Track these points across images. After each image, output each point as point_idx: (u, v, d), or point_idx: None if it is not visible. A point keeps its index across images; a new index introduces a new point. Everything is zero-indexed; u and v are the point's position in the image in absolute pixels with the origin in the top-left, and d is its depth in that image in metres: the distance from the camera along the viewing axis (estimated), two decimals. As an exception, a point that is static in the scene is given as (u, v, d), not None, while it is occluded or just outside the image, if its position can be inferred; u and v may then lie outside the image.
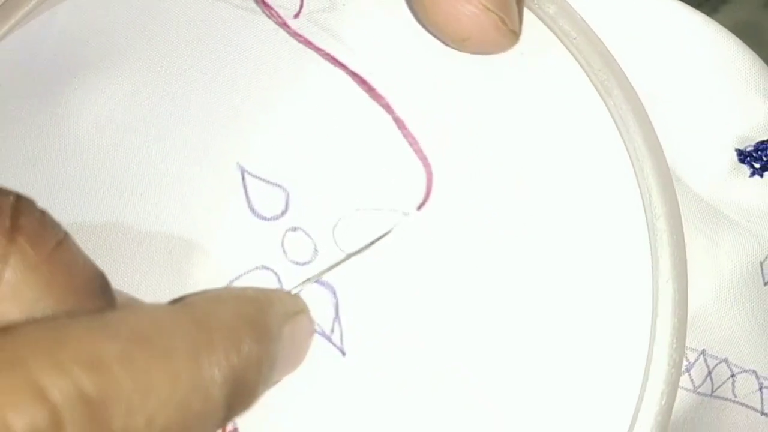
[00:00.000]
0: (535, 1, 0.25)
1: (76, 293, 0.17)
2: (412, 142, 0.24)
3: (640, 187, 0.24)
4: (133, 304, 0.20)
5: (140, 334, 0.15)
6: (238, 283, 0.23)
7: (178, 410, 0.15)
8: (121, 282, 0.23)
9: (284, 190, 0.24)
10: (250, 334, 0.18)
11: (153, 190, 0.24)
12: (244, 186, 0.24)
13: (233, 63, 0.25)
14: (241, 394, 0.17)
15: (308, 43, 0.25)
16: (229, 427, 0.23)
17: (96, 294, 0.17)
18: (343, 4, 0.26)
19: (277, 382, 0.21)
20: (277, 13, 0.25)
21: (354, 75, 0.24)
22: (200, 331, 0.16)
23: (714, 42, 0.25)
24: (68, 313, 0.16)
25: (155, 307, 0.17)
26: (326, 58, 0.24)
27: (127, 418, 0.14)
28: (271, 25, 0.25)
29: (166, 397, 0.15)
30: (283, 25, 0.25)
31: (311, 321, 0.22)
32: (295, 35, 0.24)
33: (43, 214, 0.17)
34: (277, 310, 0.20)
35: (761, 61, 0.26)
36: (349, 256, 0.23)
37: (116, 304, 0.18)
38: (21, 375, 0.13)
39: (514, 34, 0.22)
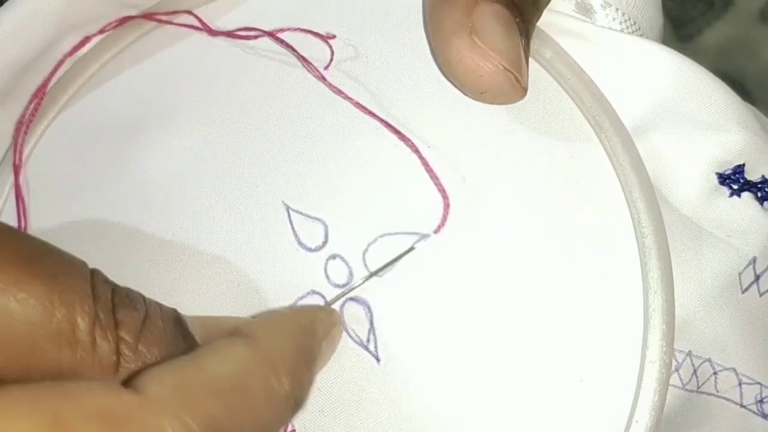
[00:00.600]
0: (535, 47, 0.29)
1: (168, 348, 0.20)
2: (434, 177, 0.27)
3: (630, 209, 0.27)
4: (207, 322, 0.23)
5: (233, 383, 0.19)
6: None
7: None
8: (199, 310, 0.27)
9: (323, 223, 0.27)
10: (305, 363, 0.22)
11: (217, 230, 0.28)
12: (291, 223, 0.27)
13: (274, 113, 0.29)
14: (297, 407, 0.21)
15: (340, 93, 0.28)
16: (289, 428, 0.27)
17: (180, 339, 0.21)
18: (366, 57, 0.29)
19: None
20: (314, 66, 0.28)
21: (383, 121, 0.28)
22: (271, 370, 0.20)
23: (693, 78, 0.28)
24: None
25: (233, 352, 0.20)
26: (357, 107, 0.28)
27: None
28: (307, 77, 0.29)
29: (255, 427, 0.19)
30: (321, 78, 0.28)
31: (340, 330, 0.26)
32: (330, 86, 0.28)
33: (128, 297, 0.20)
34: (319, 335, 0.24)
35: (735, 94, 0.29)
36: (372, 274, 0.27)
37: (193, 337, 0.22)
38: None
39: (524, 90, 0.25)
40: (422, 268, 0.27)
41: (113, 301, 0.20)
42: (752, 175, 0.28)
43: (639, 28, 0.29)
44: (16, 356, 0.18)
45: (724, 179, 0.28)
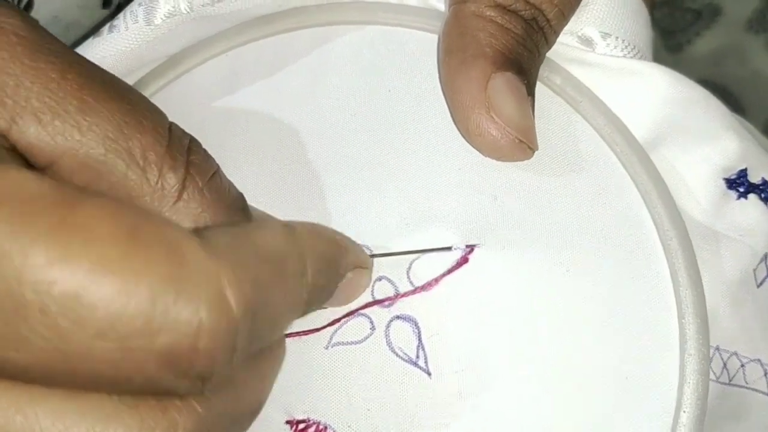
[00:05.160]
0: (545, 75, 0.31)
1: (226, 209, 0.22)
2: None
3: (652, 215, 0.29)
4: (263, 218, 0.25)
5: (276, 258, 0.20)
6: (341, 330, 0.28)
7: (287, 316, 0.21)
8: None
9: (369, 249, 0.28)
10: (327, 270, 0.23)
11: None
12: None
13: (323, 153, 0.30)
14: (305, 311, 0.22)
15: None
16: None
17: (239, 210, 0.23)
18: (389, 90, 0.31)
19: (321, 308, 0.26)
20: None
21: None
22: (301, 261, 0.21)
23: (688, 93, 0.31)
24: (225, 225, 0.22)
25: (276, 232, 0.21)
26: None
27: (266, 321, 0.19)
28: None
29: (283, 307, 0.20)
30: None
31: (369, 278, 0.27)
32: None
33: (205, 152, 0.23)
34: (349, 259, 0.25)
35: (724, 105, 0.31)
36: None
37: (251, 218, 0.23)
38: (214, 287, 0.17)
39: (534, 151, 0.28)
40: (467, 280, 0.28)
41: (189, 146, 0.22)
42: (754, 178, 0.31)
43: (638, 51, 0.32)
44: (93, 177, 0.20)
45: (731, 183, 0.31)
